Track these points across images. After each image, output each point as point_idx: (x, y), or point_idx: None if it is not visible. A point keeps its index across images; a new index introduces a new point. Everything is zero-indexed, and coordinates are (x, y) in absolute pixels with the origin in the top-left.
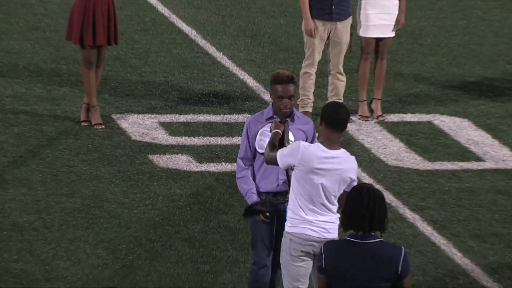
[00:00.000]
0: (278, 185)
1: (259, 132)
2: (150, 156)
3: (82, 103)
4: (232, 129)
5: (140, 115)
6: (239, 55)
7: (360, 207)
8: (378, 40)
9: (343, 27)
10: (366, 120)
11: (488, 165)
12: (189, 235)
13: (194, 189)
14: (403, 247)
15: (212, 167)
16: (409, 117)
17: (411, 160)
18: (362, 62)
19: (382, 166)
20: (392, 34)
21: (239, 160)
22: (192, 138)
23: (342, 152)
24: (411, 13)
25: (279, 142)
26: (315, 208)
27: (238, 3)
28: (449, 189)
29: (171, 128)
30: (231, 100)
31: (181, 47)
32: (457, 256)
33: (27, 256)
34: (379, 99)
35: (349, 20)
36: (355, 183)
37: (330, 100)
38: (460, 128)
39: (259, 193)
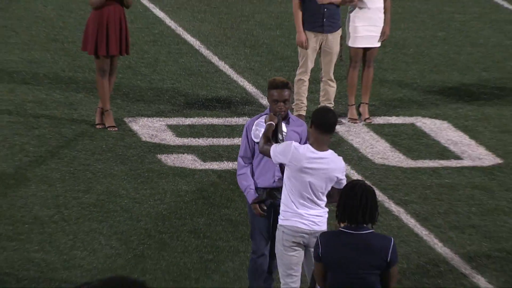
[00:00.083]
0: (274, 181)
1: (255, 123)
2: (159, 156)
3: (97, 107)
4: (233, 131)
5: (149, 118)
6: (239, 63)
7: (353, 201)
8: (365, 50)
9: (334, 38)
10: (354, 123)
11: (466, 163)
12: (194, 227)
13: (199, 186)
14: (392, 238)
15: (215, 165)
16: (393, 120)
17: (396, 158)
18: (350, 70)
19: (369, 164)
20: (378, 44)
21: (239, 159)
22: (196, 139)
23: (329, 153)
24: (395, 25)
25: (272, 133)
26: (304, 202)
27: (238, 16)
28: (430, 185)
29: (177, 130)
30: (232, 104)
31: (187, 57)
32: (438, 246)
33: (47, 247)
34: (366, 103)
35: (339, 32)
36: (343, 181)
37: (321, 104)
38: (440, 130)
39: (257, 188)
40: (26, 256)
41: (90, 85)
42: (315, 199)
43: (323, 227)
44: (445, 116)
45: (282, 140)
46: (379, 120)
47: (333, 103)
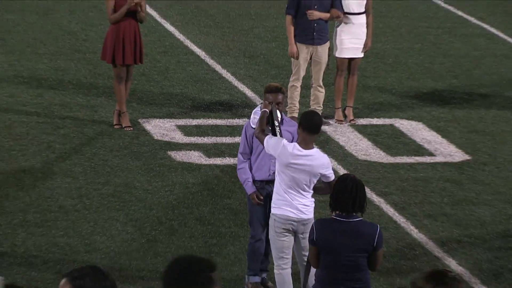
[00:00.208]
0: (269, 175)
1: (253, 111)
2: (169, 152)
3: (114, 110)
4: (234, 131)
5: (160, 119)
6: (239, 72)
7: (344, 192)
8: (350, 59)
9: (323, 50)
10: (340, 123)
11: (438, 159)
12: (200, 215)
13: (204, 178)
14: (378, 226)
15: (218, 161)
16: (375, 121)
17: (377, 155)
18: (337, 77)
19: (353, 160)
20: (361, 55)
21: (239, 155)
22: (202, 137)
23: (315, 151)
24: (376, 38)
25: (267, 120)
26: (292, 193)
27: (239, 30)
28: (407, 178)
29: (185, 130)
30: (233, 107)
31: (194, 66)
32: (414, 232)
33: (71, 232)
34: (351, 107)
35: (327, 44)
36: (330, 175)
37: (312, 107)
38: (415, 130)
39: (254, 181)
40: (52, 240)
41: (108, 90)
42: (301, 191)
43: (310, 215)
44: (420, 118)
45: (278, 126)
46: (362, 121)
47: (322, 106)
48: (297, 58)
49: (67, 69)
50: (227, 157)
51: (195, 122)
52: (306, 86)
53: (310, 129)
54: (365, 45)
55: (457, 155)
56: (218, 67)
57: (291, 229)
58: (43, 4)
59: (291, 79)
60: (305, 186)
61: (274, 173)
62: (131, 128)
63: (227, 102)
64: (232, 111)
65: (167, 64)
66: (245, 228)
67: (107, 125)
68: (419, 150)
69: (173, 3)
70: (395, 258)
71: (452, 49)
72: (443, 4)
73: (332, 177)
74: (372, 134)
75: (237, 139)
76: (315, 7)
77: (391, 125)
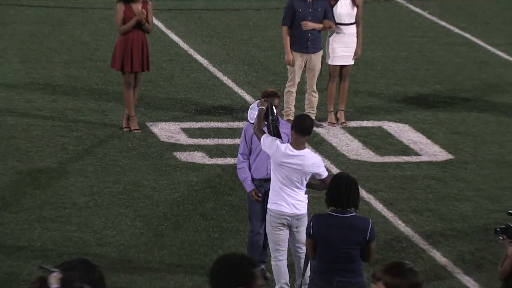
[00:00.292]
0: (267, 173)
1: (250, 107)
2: (174, 153)
3: (124, 114)
4: (234, 133)
5: (166, 122)
6: (239, 78)
7: (339, 190)
8: (342, 67)
9: (316, 58)
10: (333, 126)
11: (423, 158)
12: (203, 211)
13: (207, 177)
14: (371, 220)
15: (220, 161)
16: (365, 123)
17: (367, 155)
18: (330, 83)
19: (345, 160)
20: (352, 62)
21: (239, 155)
22: (205, 139)
23: (306, 151)
24: (365, 47)
25: (264, 115)
26: (287, 190)
27: (239, 40)
28: (395, 176)
29: (189, 132)
30: (233, 111)
31: (197, 73)
32: (401, 226)
33: (83, 228)
34: (342, 110)
35: (320, 52)
36: (322, 173)
37: (306, 111)
38: (402, 131)
39: (253, 179)
40: (66, 235)
41: (118, 96)
42: (294, 188)
43: (304, 211)
44: (407, 120)
45: (273, 120)
46: (353, 123)
47: (315, 110)
48: (293, 65)
49: (79, 76)
50: (228, 157)
51: (198, 125)
52: (301, 91)
53: (301, 131)
54: (356, 53)
55: (441, 154)
56: (219, 74)
57: (286, 223)
58: (57, 16)
59: (287, 85)
60: (298, 183)
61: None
62: (139, 131)
63: (228, 107)
64: (232, 114)
65: (172, 71)
66: (245, 223)
67: (117, 128)
68: (406, 150)
69: (178, 14)
70: (384, 250)
71: (436, 57)
72: (427, 15)
73: (325, 174)
74: (362, 135)
75: (237, 141)
76: (309, 18)
77: (380, 127)
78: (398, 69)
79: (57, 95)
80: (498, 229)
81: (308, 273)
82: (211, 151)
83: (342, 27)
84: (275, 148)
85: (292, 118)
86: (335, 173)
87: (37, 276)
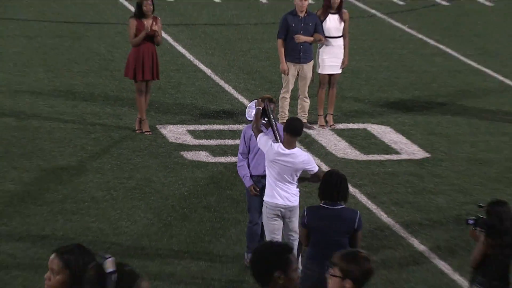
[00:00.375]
0: (264, 171)
1: (247, 106)
2: (181, 152)
3: (136, 117)
4: (235, 134)
5: (174, 125)
6: (239, 86)
7: (330, 185)
8: (330, 75)
9: (307, 67)
10: (322, 128)
11: (403, 156)
12: (207, 204)
13: (210, 174)
14: (358, 211)
15: (222, 159)
16: (351, 126)
17: (353, 153)
18: (320, 90)
19: (333, 158)
20: (340, 71)
21: (239, 154)
22: (209, 140)
23: (296, 150)
24: (352, 57)
25: (261, 114)
26: (280, 184)
27: (239, 52)
28: (378, 173)
29: (195, 134)
30: (234, 115)
31: (201, 81)
32: (383, 217)
33: (101, 219)
34: (331, 114)
35: (311, 62)
36: (313, 169)
37: (299, 115)
38: (384, 133)
39: (251, 176)
40: (85, 225)
41: (131, 102)
42: (287, 183)
43: (295, 203)
44: (388, 123)
45: (273, 118)
46: (340, 126)
47: (307, 114)
48: (287, 74)
49: (96, 84)
50: (229, 156)
51: (202, 127)
52: (294, 97)
53: (292, 132)
54: (343, 63)
55: (418, 153)
56: (221, 82)
57: (279, 214)
58: (76, 30)
59: (281, 92)
60: (289, 178)
61: None
62: (150, 133)
63: (229, 111)
64: (233, 118)
65: (179, 80)
66: (244, 214)
67: (130, 130)
68: (387, 149)
69: (184, 29)
70: (368, 238)
71: (414, 66)
72: (406, 29)
73: (315, 169)
74: (349, 136)
75: (237, 141)
76: (301, 32)
77: (364, 129)
78: (380, 77)
79: (77, 101)
80: (470, 220)
81: (299, 258)
82: (214, 150)
83: (330, 39)
84: (269, 146)
85: None
86: (325, 169)
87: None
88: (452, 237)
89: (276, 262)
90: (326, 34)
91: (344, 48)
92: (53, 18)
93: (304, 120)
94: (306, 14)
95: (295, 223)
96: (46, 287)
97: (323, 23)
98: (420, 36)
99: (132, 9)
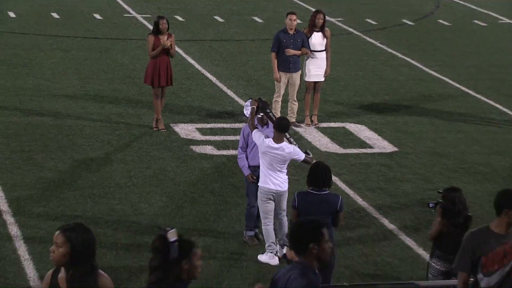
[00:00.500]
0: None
1: (244, 104)
2: (191, 146)
3: (153, 117)
4: (236, 131)
5: (185, 124)
6: (239, 91)
7: (317, 174)
8: (315, 82)
9: (296, 76)
10: (308, 126)
11: (376, 150)
12: (212, 189)
13: (215, 164)
14: (340, 196)
15: (225, 152)
16: (332, 125)
17: (334, 148)
18: (306, 95)
19: (317, 151)
20: (323, 79)
21: (239, 148)
22: (214, 136)
23: (283, 144)
24: (333, 68)
25: (257, 110)
26: (271, 172)
27: (239, 63)
28: (354, 164)
29: (202, 131)
30: (234, 115)
31: (208, 87)
32: (359, 200)
33: (124, 201)
34: (316, 115)
35: (299, 72)
36: (301, 158)
37: (288, 116)
38: (360, 130)
39: (249, 166)
40: (110, 207)
41: (149, 104)
42: (277, 171)
43: (285, 188)
44: (363, 122)
45: (270, 112)
46: (323, 125)
47: (296, 115)
48: (279, 81)
49: (121, 89)
50: (231, 150)
51: (209, 125)
52: (285, 101)
53: (280, 129)
54: (326, 72)
55: (388, 147)
56: (224, 88)
57: (271, 197)
58: (104, 45)
59: (274, 96)
60: (279, 168)
61: None
62: (165, 130)
63: (231, 112)
64: (234, 118)
65: (189, 86)
66: (243, 198)
67: (148, 128)
68: (363, 144)
69: (194, 44)
70: (346, 218)
71: (385, 75)
72: (378, 44)
73: (302, 157)
74: (330, 133)
75: (237, 137)
76: (291, 47)
77: (343, 127)
78: (357, 84)
79: (104, 103)
80: (430, 204)
81: (286, 232)
82: (219, 145)
83: (315, 53)
84: (261, 141)
85: None
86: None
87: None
88: (416, 218)
89: (310, 235)
90: (312, 49)
91: (327, 60)
92: (84, 34)
93: (293, 120)
94: (295, 32)
95: (284, 204)
96: (51, 258)
97: (309, 39)
98: (390, 50)
99: (151, 27)
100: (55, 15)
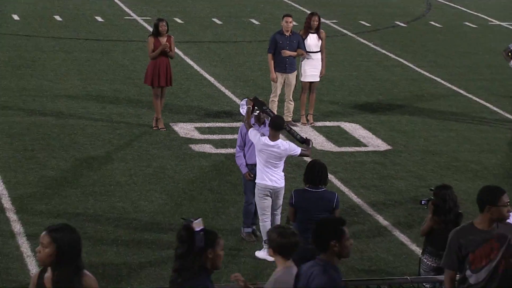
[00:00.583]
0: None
1: (240, 104)
2: (190, 145)
3: (153, 116)
4: (233, 131)
5: (184, 123)
6: (237, 91)
7: (313, 172)
8: (311, 82)
9: (292, 76)
10: (304, 125)
11: (370, 148)
12: (210, 187)
13: (213, 163)
14: (336, 193)
15: (223, 150)
16: (327, 124)
17: (329, 146)
18: (302, 94)
19: (313, 150)
20: (318, 79)
21: (236, 147)
22: (212, 135)
23: (279, 141)
24: (328, 68)
25: (253, 108)
26: (268, 169)
27: (236, 64)
28: (349, 162)
29: (201, 130)
30: (232, 115)
31: (206, 87)
32: (354, 197)
33: (124, 199)
34: (311, 114)
35: (295, 72)
36: (297, 153)
37: (284, 115)
38: (355, 129)
39: (247, 164)
40: (111, 204)
41: (149, 104)
42: (273, 168)
43: (281, 185)
44: (357, 121)
45: (267, 108)
46: (319, 123)
47: (292, 114)
48: (276, 82)
49: (121, 90)
50: (229, 148)
51: (207, 124)
52: (281, 101)
53: (275, 127)
54: (321, 73)
55: (382, 146)
56: (222, 88)
57: (268, 194)
58: (105, 47)
59: (271, 96)
60: (275, 164)
61: None
62: (165, 129)
63: (229, 111)
64: (232, 117)
65: (188, 86)
66: (241, 196)
67: (148, 127)
68: (357, 142)
69: (192, 45)
70: (341, 214)
71: (378, 75)
72: (372, 45)
73: (298, 152)
74: (325, 132)
75: (235, 136)
76: (287, 48)
77: (338, 126)
78: (351, 84)
79: (105, 103)
80: (423, 201)
81: None
82: (217, 143)
83: (311, 54)
84: (257, 139)
85: None
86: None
87: (91, 235)
88: (410, 214)
89: (331, 232)
90: (307, 50)
91: (322, 60)
92: (86, 36)
93: (289, 119)
94: (291, 34)
95: (280, 201)
96: (37, 258)
97: (305, 41)
98: (383, 51)
99: (151, 29)
100: (57, 17)
